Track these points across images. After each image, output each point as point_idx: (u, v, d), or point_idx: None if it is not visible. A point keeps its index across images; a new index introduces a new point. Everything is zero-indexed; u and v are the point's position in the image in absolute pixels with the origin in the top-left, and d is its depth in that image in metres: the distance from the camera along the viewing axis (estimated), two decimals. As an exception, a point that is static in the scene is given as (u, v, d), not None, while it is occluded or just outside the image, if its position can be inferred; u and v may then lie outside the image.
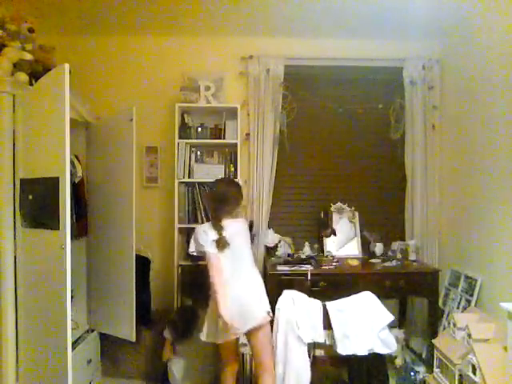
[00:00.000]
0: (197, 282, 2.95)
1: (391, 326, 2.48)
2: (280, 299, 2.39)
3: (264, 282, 2.39)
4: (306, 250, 3.26)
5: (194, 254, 2.34)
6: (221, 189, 2.46)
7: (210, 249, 2.24)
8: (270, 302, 2.29)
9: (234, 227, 2.35)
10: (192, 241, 2.35)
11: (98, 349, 3.00)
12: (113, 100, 3.32)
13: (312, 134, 3.48)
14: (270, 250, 3.26)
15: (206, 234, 2.28)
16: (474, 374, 2.04)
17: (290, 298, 2.39)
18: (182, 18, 3.13)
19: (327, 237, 3.32)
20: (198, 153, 3.33)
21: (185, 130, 3.23)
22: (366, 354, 2.34)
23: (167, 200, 3.36)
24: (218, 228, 2.29)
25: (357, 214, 3.42)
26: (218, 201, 2.40)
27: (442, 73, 3.39)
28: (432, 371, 2.51)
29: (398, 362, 2.85)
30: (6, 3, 2.59)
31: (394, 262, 3.04)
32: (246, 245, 2.40)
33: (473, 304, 2.71)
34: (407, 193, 3.41)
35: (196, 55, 3.43)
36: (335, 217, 3.39)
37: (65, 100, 1.99)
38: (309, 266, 2.89)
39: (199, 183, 3.23)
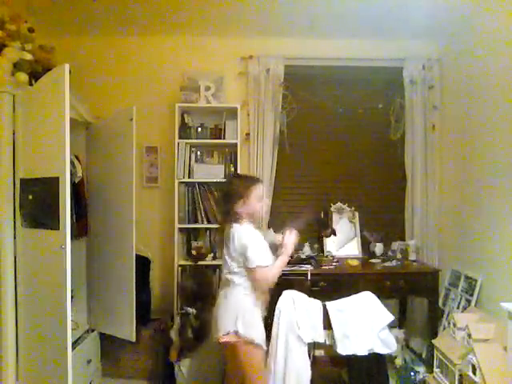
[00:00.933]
0: (197, 284, 2.93)
1: (391, 326, 2.48)
2: (280, 299, 2.39)
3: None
4: (306, 250, 3.26)
5: None
6: (223, 188, 2.23)
7: None
8: (270, 303, 2.28)
9: (226, 233, 2.08)
10: None
11: (98, 349, 3.00)
12: (113, 100, 3.32)
13: (312, 134, 3.48)
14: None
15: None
16: (474, 373, 2.04)
17: (290, 298, 2.39)
18: (181, 18, 3.13)
19: (327, 237, 3.32)
20: (198, 153, 3.33)
21: (185, 130, 3.23)
22: (366, 353, 2.34)
23: (167, 200, 3.36)
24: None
25: (357, 214, 3.42)
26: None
27: (442, 73, 3.39)
28: (432, 371, 2.51)
29: (398, 362, 2.86)
30: (6, 3, 2.59)
31: (393, 262, 3.04)
32: (226, 256, 2.06)
33: (473, 304, 2.71)
34: (407, 193, 3.41)
35: (196, 55, 3.43)
36: (335, 217, 3.39)
37: (65, 100, 1.99)
38: (309, 266, 2.89)
39: (199, 183, 3.23)
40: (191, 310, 2.80)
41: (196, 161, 3.28)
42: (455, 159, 3.22)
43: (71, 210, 2.30)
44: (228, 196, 2.09)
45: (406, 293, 3.14)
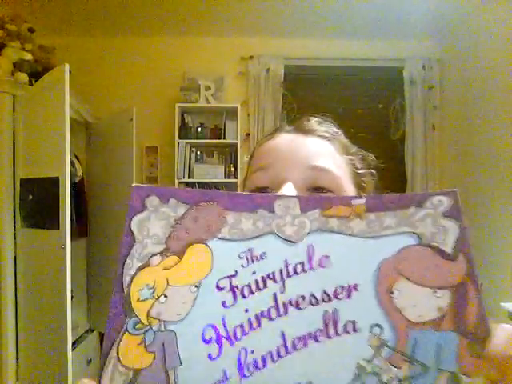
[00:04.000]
0: None
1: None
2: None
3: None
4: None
5: None
6: None
7: None
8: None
9: None
10: None
11: (98, 349, 3.00)
12: (113, 100, 3.32)
13: (312, 134, 3.48)
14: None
15: None
16: (474, 374, 2.03)
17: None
18: (181, 18, 3.13)
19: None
20: (198, 153, 3.33)
21: (185, 130, 3.24)
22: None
23: (167, 200, 3.35)
24: None
25: (357, 214, 3.42)
26: None
27: (442, 73, 3.39)
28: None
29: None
30: (6, 3, 2.59)
31: (394, 262, 3.04)
32: None
33: (473, 304, 2.71)
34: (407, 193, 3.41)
35: (196, 55, 3.43)
36: (335, 217, 3.39)
37: (65, 100, 2.00)
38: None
39: (199, 183, 3.23)
40: None
41: (196, 161, 3.28)
42: (455, 159, 3.22)
43: (71, 210, 2.30)
44: None
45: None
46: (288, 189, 0.51)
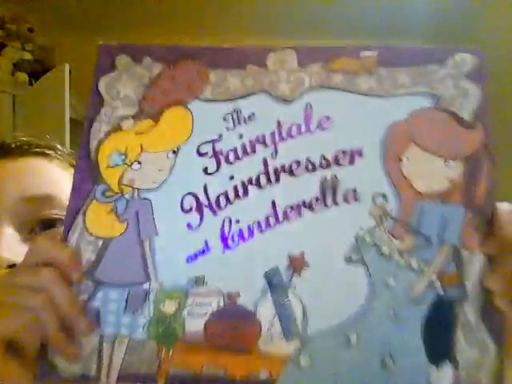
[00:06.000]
0: None
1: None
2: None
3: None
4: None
5: None
6: None
7: None
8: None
9: None
10: None
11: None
12: (113, 100, 3.32)
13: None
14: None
15: None
16: (474, 374, 2.03)
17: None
18: (181, 18, 3.13)
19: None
20: (198, 153, 3.32)
21: (185, 130, 3.23)
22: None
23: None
24: None
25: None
26: None
27: (442, 73, 3.39)
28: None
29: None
30: (6, 3, 2.59)
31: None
32: None
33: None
34: (407, 193, 3.41)
35: (196, 55, 3.42)
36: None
37: (65, 100, 2.00)
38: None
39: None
40: None
41: (196, 161, 3.28)
42: (455, 159, 3.22)
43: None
44: None
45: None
46: (5, 237, 0.41)
